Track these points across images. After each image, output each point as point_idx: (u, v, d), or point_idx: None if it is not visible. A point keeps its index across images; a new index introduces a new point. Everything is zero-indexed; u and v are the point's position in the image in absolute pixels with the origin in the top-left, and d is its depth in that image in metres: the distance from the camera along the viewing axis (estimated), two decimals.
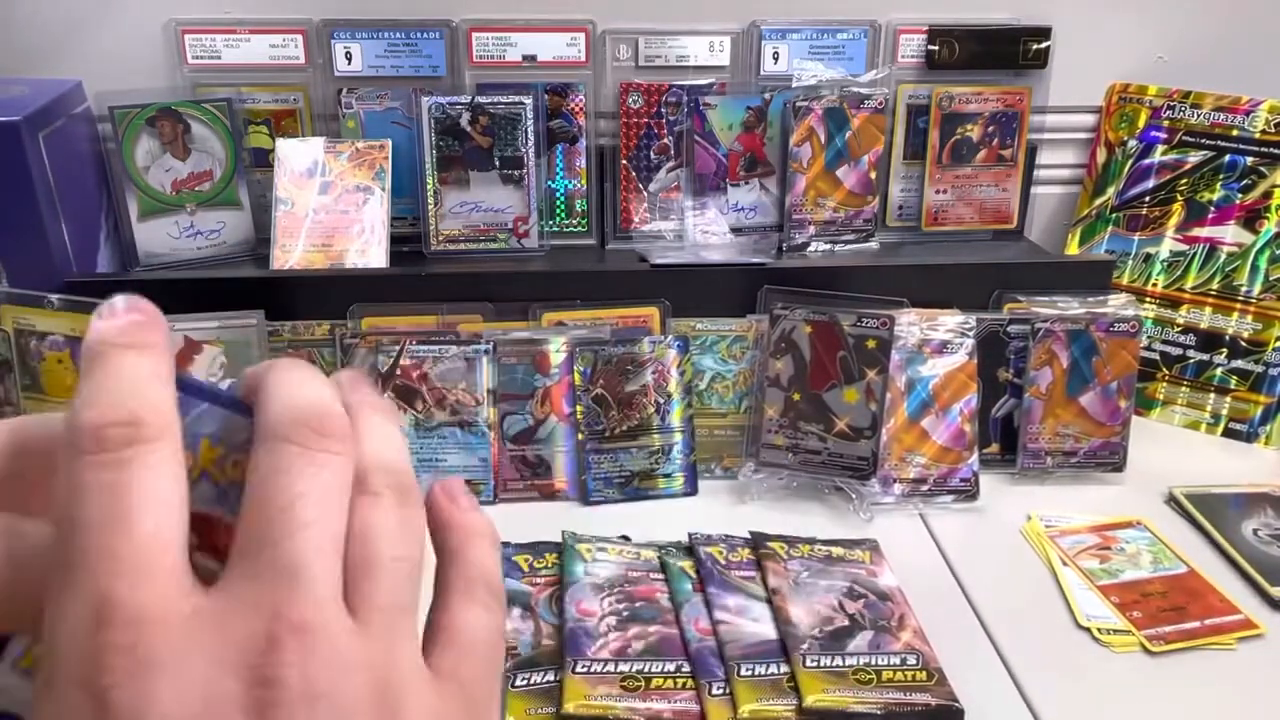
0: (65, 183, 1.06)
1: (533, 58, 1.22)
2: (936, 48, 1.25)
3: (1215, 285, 1.20)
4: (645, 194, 1.25)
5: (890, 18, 1.25)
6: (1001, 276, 1.15)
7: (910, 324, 1.06)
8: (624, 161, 1.25)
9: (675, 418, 1.05)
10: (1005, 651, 0.85)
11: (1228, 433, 1.20)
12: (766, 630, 0.84)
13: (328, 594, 0.27)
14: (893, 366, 1.04)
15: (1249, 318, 1.19)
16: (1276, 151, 1.18)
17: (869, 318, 1.03)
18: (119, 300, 0.28)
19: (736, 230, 1.25)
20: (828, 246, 1.26)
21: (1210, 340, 1.21)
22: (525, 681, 0.79)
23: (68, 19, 1.17)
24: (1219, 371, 1.20)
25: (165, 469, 0.26)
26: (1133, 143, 1.25)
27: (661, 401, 1.05)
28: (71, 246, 1.08)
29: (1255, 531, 1.01)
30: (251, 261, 1.20)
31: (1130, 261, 1.25)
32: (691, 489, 1.06)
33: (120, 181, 1.16)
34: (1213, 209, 1.21)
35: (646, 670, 0.80)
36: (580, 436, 1.04)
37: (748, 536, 0.95)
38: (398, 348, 1.03)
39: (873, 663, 0.80)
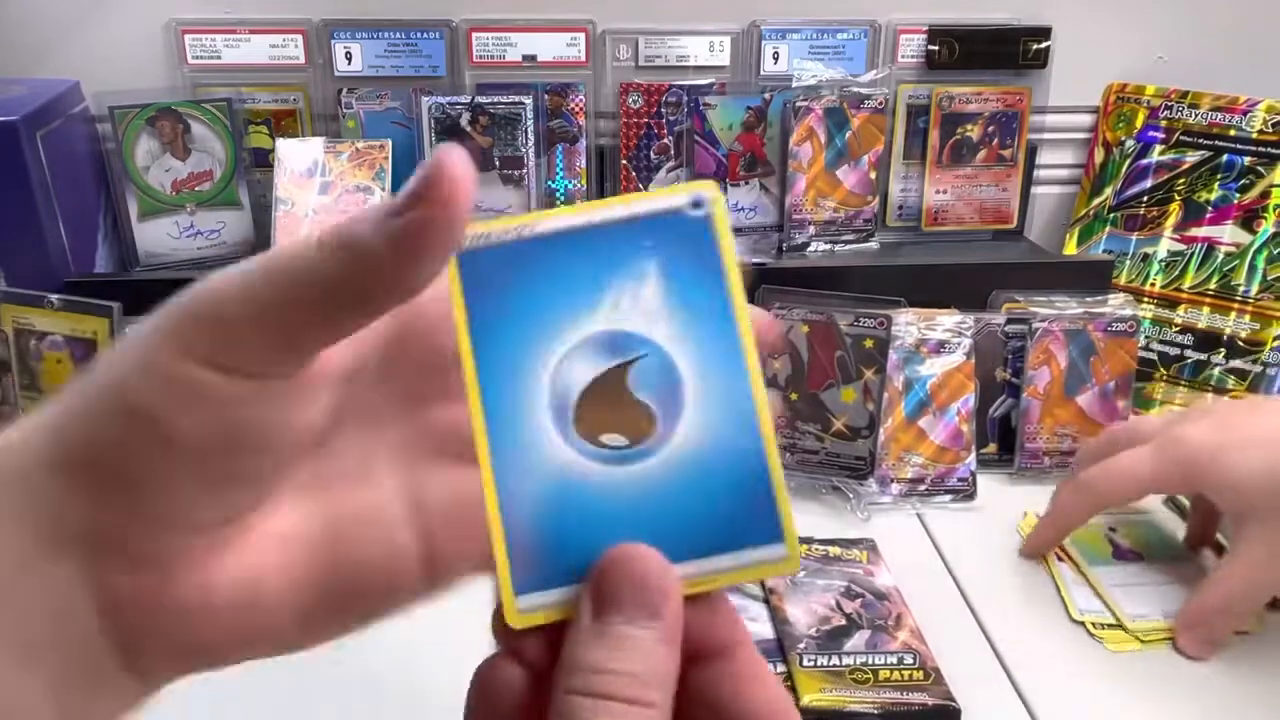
0: (63, 183, 1.07)
1: (533, 58, 1.23)
2: (936, 48, 1.25)
3: (1213, 285, 1.20)
4: None
5: (890, 18, 1.25)
6: (1000, 276, 1.15)
7: (908, 324, 1.06)
8: (624, 161, 1.25)
9: None
10: (1002, 650, 0.85)
11: None
12: (763, 629, 0.84)
13: None
14: (890, 366, 1.04)
15: (1247, 317, 1.19)
16: (1274, 151, 1.18)
17: (866, 317, 1.03)
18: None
19: (736, 230, 1.25)
20: (828, 246, 1.26)
21: (1208, 340, 1.21)
22: None
23: (66, 19, 1.17)
24: (1217, 371, 1.20)
25: None
26: (1130, 143, 1.25)
27: None
28: (69, 246, 1.08)
29: None
30: None
31: (1128, 261, 1.25)
32: None
33: (120, 181, 1.16)
34: (1210, 209, 1.21)
35: None
36: None
37: None
38: None
39: (870, 662, 0.81)
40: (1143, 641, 0.87)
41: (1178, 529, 1.00)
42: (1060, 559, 0.95)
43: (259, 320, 0.26)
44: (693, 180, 1.23)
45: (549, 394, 0.30)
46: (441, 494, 0.33)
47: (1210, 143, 1.21)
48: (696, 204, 0.31)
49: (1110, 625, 0.88)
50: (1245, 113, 1.19)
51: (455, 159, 0.26)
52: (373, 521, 0.32)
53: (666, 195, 0.31)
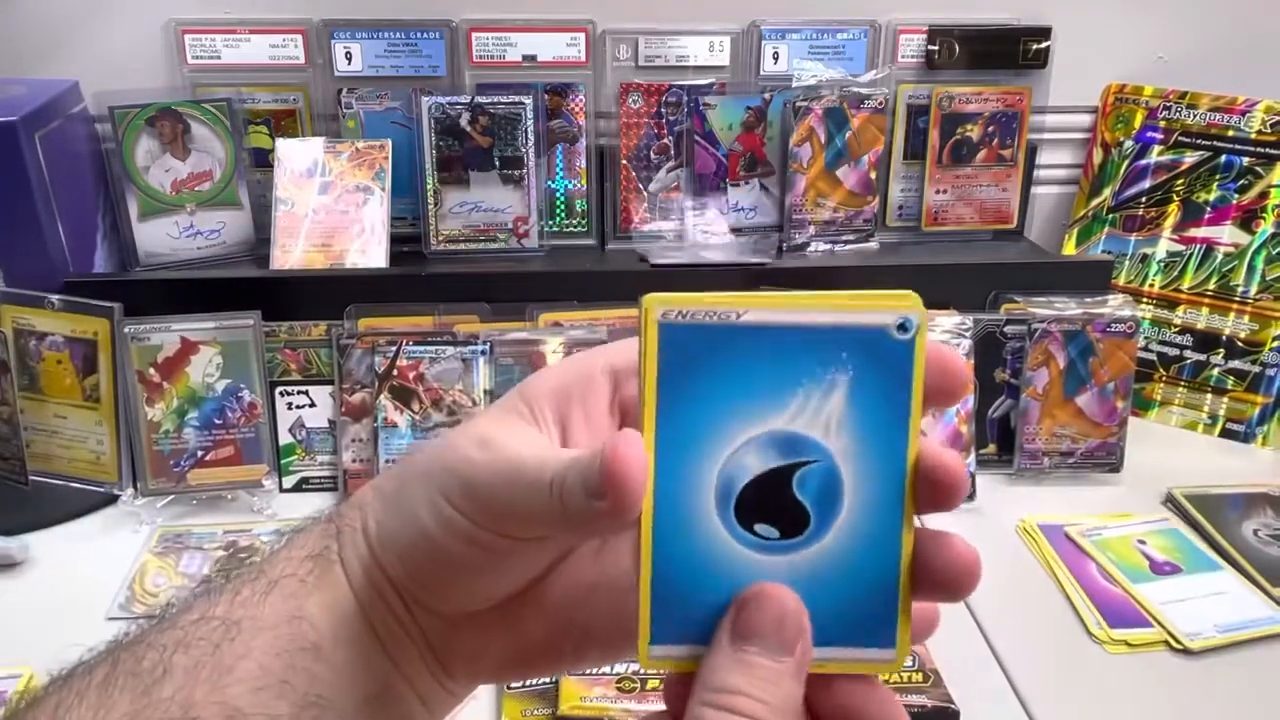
0: (62, 183, 1.07)
1: (533, 58, 1.22)
2: (936, 48, 1.25)
3: (1212, 285, 1.20)
4: (645, 194, 1.26)
5: (890, 18, 1.25)
6: (1000, 277, 1.15)
7: None
8: (624, 161, 1.25)
9: None
10: (1000, 652, 0.85)
11: (1225, 433, 1.21)
12: None
13: None
14: None
15: (1246, 318, 1.19)
16: (1273, 152, 1.18)
17: None
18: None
19: (736, 230, 1.25)
20: (828, 246, 1.26)
21: (1207, 340, 1.21)
22: (521, 683, 0.80)
23: (67, 19, 1.17)
24: (1216, 372, 1.20)
25: None
26: (1129, 143, 1.25)
27: None
28: (68, 246, 1.08)
29: (1255, 532, 1.01)
30: (251, 261, 1.21)
31: (1127, 262, 1.25)
32: None
33: (120, 181, 1.16)
34: (1209, 209, 1.21)
35: (642, 671, 0.80)
36: None
37: None
38: (394, 348, 1.03)
39: None
40: (1140, 645, 0.87)
41: (1189, 535, 1.01)
42: (1062, 564, 0.96)
43: (500, 514, 0.34)
44: (693, 180, 1.23)
45: (718, 474, 0.32)
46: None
47: (1209, 143, 1.21)
48: (903, 327, 0.32)
49: (1112, 629, 0.88)
50: (1244, 113, 1.19)
51: (631, 459, 0.30)
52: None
53: (875, 309, 0.32)
